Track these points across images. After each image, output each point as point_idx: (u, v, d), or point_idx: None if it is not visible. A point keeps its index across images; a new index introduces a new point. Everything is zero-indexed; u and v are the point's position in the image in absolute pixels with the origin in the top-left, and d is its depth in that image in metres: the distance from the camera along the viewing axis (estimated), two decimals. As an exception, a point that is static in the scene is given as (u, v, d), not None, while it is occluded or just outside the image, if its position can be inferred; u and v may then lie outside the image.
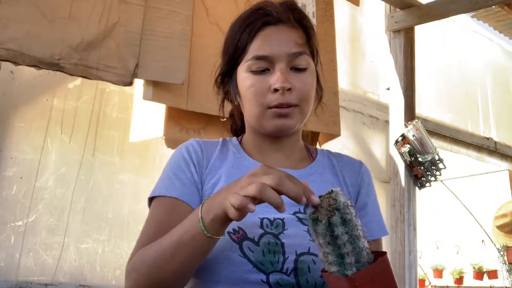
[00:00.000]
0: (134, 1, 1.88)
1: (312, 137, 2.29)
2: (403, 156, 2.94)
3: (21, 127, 2.05)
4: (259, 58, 0.99)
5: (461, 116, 4.38)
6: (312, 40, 1.05)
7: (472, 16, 4.35)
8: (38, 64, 1.65)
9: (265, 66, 0.99)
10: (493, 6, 3.61)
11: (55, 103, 2.12)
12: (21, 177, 2.01)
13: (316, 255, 0.91)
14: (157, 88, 1.94)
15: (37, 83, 2.09)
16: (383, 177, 3.55)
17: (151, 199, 1.02)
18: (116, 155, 2.26)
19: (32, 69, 1.70)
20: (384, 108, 3.42)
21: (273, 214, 0.95)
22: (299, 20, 1.04)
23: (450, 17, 3.24)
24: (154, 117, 2.11)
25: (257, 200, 0.74)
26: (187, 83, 2.01)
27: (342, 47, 3.30)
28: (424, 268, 5.48)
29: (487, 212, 5.22)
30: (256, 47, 0.99)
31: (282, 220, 0.95)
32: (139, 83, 1.99)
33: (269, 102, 0.98)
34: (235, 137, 1.14)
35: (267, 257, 0.90)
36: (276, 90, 0.97)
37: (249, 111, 1.02)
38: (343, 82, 3.26)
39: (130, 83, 1.86)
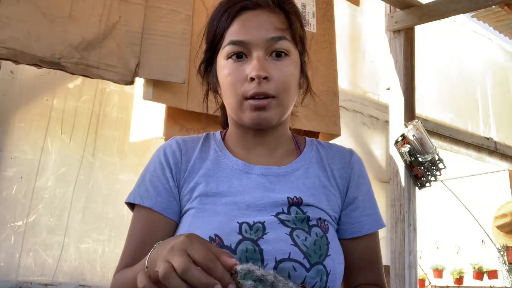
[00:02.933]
0: (134, 0, 1.88)
1: (312, 137, 2.28)
2: (403, 156, 2.94)
3: (21, 127, 2.05)
4: (235, 43, 0.94)
5: (461, 116, 4.38)
6: (295, 26, 0.97)
7: (472, 16, 4.35)
8: (38, 63, 1.65)
9: (241, 51, 0.93)
10: (493, 6, 3.61)
11: (55, 103, 2.12)
12: (21, 177, 2.01)
13: (297, 261, 0.87)
14: (157, 88, 1.94)
15: (37, 83, 2.09)
16: (383, 177, 3.55)
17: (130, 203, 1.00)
18: (116, 155, 2.26)
19: (32, 69, 1.70)
20: (384, 108, 3.42)
21: (253, 217, 0.91)
22: (280, 4, 0.97)
23: (450, 17, 3.23)
24: (154, 117, 2.11)
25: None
26: (187, 83, 2.01)
27: (342, 47, 3.30)
28: (424, 268, 5.48)
29: (487, 212, 5.22)
30: (232, 32, 0.95)
31: (263, 223, 0.90)
32: (139, 83, 1.99)
33: (245, 92, 0.92)
34: (219, 131, 1.09)
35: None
36: (252, 79, 0.92)
37: (227, 102, 0.98)
38: (343, 82, 3.27)
39: (131, 82, 1.86)
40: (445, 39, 4.32)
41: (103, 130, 2.23)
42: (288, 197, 0.94)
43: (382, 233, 3.56)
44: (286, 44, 0.95)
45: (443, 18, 3.15)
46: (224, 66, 0.96)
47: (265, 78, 0.92)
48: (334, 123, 2.43)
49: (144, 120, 2.20)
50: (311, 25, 2.47)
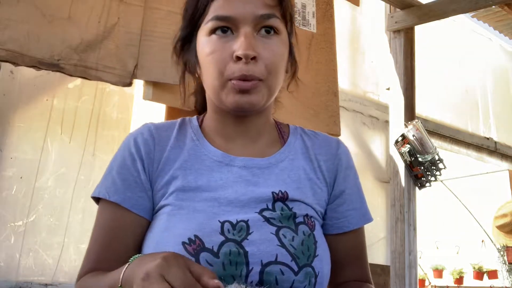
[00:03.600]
0: (133, 2, 1.88)
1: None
2: (403, 156, 2.94)
3: (21, 127, 2.05)
4: (220, 18, 0.84)
5: (461, 116, 4.38)
6: (285, 3, 0.89)
7: (472, 16, 4.35)
8: (37, 64, 1.65)
9: (227, 26, 0.85)
10: (493, 6, 3.61)
11: (55, 103, 2.12)
12: (21, 177, 2.01)
13: (284, 264, 0.80)
14: (157, 88, 1.94)
15: (37, 83, 2.09)
16: (383, 177, 3.55)
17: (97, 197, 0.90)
18: (116, 155, 2.26)
19: (32, 69, 1.70)
20: (384, 108, 3.42)
21: (235, 215, 0.83)
22: None
23: (450, 17, 3.24)
24: (154, 117, 2.11)
25: None
26: (187, 83, 2.01)
27: (342, 47, 3.30)
28: (424, 268, 5.48)
29: (487, 212, 5.22)
30: (217, 7, 0.85)
31: (246, 222, 0.83)
32: (139, 83, 1.99)
33: (230, 72, 0.83)
34: (196, 117, 0.98)
35: (228, 270, 0.78)
36: (238, 58, 0.82)
37: (208, 83, 0.88)
38: (343, 82, 3.27)
39: (129, 84, 1.86)
40: (445, 39, 4.32)
41: (103, 130, 2.23)
42: (273, 192, 0.87)
43: (382, 233, 3.56)
44: (276, 22, 0.86)
45: (443, 18, 3.15)
46: (206, 43, 0.86)
47: (253, 58, 0.83)
48: (334, 123, 2.43)
49: (144, 120, 2.20)
50: (311, 25, 2.47)
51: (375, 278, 3.31)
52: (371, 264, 3.63)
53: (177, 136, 0.92)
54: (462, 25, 4.58)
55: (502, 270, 5.24)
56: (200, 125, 0.96)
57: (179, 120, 0.96)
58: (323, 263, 0.85)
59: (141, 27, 1.89)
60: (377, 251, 3.53)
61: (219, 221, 0.82)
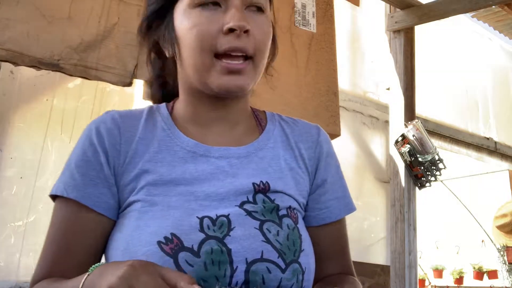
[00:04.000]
0: (133, 2, 1.89)
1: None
2: (403, 156, 2.94)
3: (21, 127, 2.05)
4: None
5: (461, 116, 4.38)
6: None
7: (472, 16, 4.35)
8: (37, 64, 1.65)
9: (215, 1, 0.78)
10: (493, 6, 3.61)
11: (55, 103, 2.12)
12: (21, 177, 2.01)
13: (271, 261, 0.74)
14: (157, 88, 1.94)
15: (37, 83, 2.09)
16: (383, 177, 3.55)
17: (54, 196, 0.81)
18: (116, 155, 2.26)
19: (32, 69, 1.71)
20: (384, 108, 3.42)
21: (214, 210, 0.76)
22: None
23: (450, 17, 3.24)
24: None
25: None
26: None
27: (342, 47, 3.30)
28: (424, 268, 5.48)
29: (487, 212, 5.22)
30: None
31: (227, 216, 0.76)
32: (139, 83, 1.99)
33: (218, 45, 0.77)
34: (164, 104, 0.89)
35: (211, 271, 0.71)
36: (230, 30, 0.76)
37: (189, 62, 0.80)
38: (343, 82, 3.27)
39: (129, 84, 1.86)
40: (445, 39, 4.32)
41: (103, 130, 2.23)
42: (254, 183, 0.81)
43: (382, 233, 3.56)
44: (264, 0, 0.82)
45: (443, 18, 3.15)
46: (188, 15, 0.79)
47: (246, 31, 0.77)
48: (334, 123, 2.43)
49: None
50: (311, 25, 2.47)
51: (375, 278, 3.31)
52: (371, 264, 3.64)
53: (146, 125, 0.83)
54: (462, 25, 4.58)
55: (502, 270, 5.24)
56: (171, 113, 0.87)
57: (146, 107, 0.87)
58: (309, 258, 0.80)
59: (141, 27, 1.89)
60: (377, 251, 3.53)
61: (197, 217, 0.75)
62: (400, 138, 2.95)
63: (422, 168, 2.92)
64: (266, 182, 0.82)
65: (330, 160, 0.92)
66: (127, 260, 0.63)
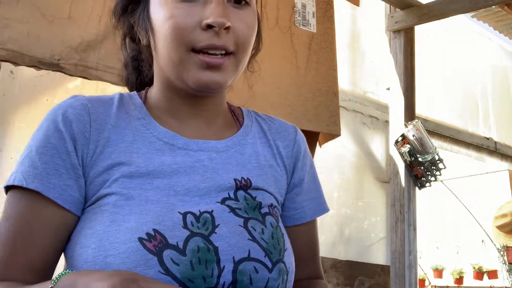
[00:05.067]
0: (134, 1, 1.89)
1: (312, 137, 2.29)
2: (403, 156, 2.94)
3: (21, 127, 2.05)
4: None
5: (461, 116, 4.38)
6: None
7: (472, 16, 4.36)
8: (38, 64, 1.65)
9: None
10: (493, 6, 3.61)
11: (55, 103, 2.12)
12: (21, 177, 2.01)
13: (258, 261, 0.71)
14: (157, 88, 1.95)
15: (37, 83, 2.09)
16: (383, 177, 3.55)
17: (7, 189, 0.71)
18: (116, 155, 2.26)
19: (32, 69, 1.70)
20: (384, 108, 3.42)
21: (196, 205, 0.71)
22: None
23: (450, 17, 3.24)
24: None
25: None
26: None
27: (342, 47, 3.30)
28: (424, 268, 5.48)
29: (487, 212, 5.22)
30: None
31: (211, 213, 0.71)
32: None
33: (195, 42, 0.71)
34: (135, 92, 0.83)
35: (197, 270, 0.66)
36: (209, 27, 0.71)
37: (163, 55, 0.74)
38: (343, 82, 3.27)
39: (130, 84, 1.86)
40: (445, 39, 4.32)
41: (103, 130, 2.23)
42: (235, 179, 0.77)
43: (382, 233, 3.56)
44: None
45: (443, 18, 3.15)
46: (164, 4, 0.73)
47: (227, 28, 0.71)
48: (334, 123, 2.43)
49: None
50: (311, 25, 2.47)
51: (375, 278, 3.31)
52: (371, 264, 3.65)
53: (118, 113, 0.76)
54: (462, 25, 4.58)
55: (502, 270, 5.24)
56: (144, 103, 0.81)
57: (116, 94, 0.81)
58: (291, 257, 0.77)
59: (141, 27, 1.89)
60: (377, 251, 3.53)
61: (179, 212, 0.69)
62: (400, 138, 2.95)
63: (422, 168, 2.92)
64: (248, 178, 0.78)
65: (306, 161, 0.90)
66: (101, 272, 0.57)
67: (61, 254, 0.72)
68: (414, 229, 2.95)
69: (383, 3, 3.17)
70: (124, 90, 2.39)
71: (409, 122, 2.94)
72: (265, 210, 0.77)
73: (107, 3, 1.83)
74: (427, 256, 5.48)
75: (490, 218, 5.22)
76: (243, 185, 0.77)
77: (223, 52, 0.73)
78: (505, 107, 4.95)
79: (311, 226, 0.88)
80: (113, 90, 2.27)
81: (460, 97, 4.46)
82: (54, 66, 1.69)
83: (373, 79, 3.60)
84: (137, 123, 0.77)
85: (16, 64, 1.62)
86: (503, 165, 4.78)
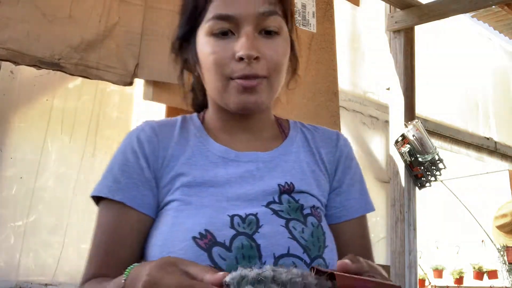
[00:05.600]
0: (134, 1, 1.88)
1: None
2: (403, 156, 2.94)
3: (21, 127, 2.05)
4: (221, 18, 0.83)
5: (461, 116, 4.38)
6: (286, 0, 0.89)
7: (472, 16, 4.36)
8: (38, 64, 1.65)
9: (228, 28, 0.83)
10: (493, 6, 3.61)
11: (55, 103, 2.12)
12: (21, 177, 2.01)
13: (297, 257, 0.79)
14: (157, 88, 1.94)
15: (37, 83, 2.09)
16: (383, 177, 3.55)
17: (97, 198, 0.88)
18: (116, 155, 2.26)
19: (32, 69, 1.70)
20: (384, 108, 3.42)
21: (243, 209, 0.82)
22: None
23: (450, 17, 3.24)
24: (154, 117, 2.11)
25: None
26: (188, 83, 2.01)
27: (342, 47, 3.30)
28: (424, 268, 5.48)
29: (487, 212, 5.22)
30: (218, 5, 0.84)
31: (256, 215, 0.82)
32: (139, 82, 1.99)
33: (232, 72, 0.83)
34: (196, 114, 0.97)
35: (241, 264, 0.76)
36: (241, 58, 0.82)
37: (210, 84, 0.87)
38: (343, 82, 3.27)
39: (130, 83, 1.86)
40: (445, 39, 4.32)
41: (103, 130, 2.23)
42: (279, 184, 0.87)
43: (382, 233, 3.56)
44: (277, 20, 0.85)
45: (443, 18, 3.15)
46: (206, 43, 0.85)
47: (256, 58, 0.82)
48: (334, 123, 2.43)
49: (144, 120, 2.20)
50: (311, 25, 2.47)
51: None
52: (371, 264, 3.59)
53: (180, 132, 0.91)
54: (462, 25, 4.58)
55: (502, 270, 5.24)
56: (202, 122, 0.94)
57: (179, 117, 0.95)
58: (333, 253, 0.84)
59: (141, 26, 1.89)
60: (377, 251, 3.53)
61: (228, 215, 0.81)
62: (400, 138, 2.95)
63: (422, 168, 2.92)
64: (291, 182, 0.88)
65: (349, 163, 0.97)
66: (151, 262, 0.68)
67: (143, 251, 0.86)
68: (414, 229, 2.95)
69: (383, 3, 3.17)
70: (124, 90, 2.38)
71: (409, 122, 2.94)
72: (307, 211, 0.86)
73: (107, 2, 1.83)
74: (427, 256, 5.48)
75: (490, 218, 5.22)
76: (287, 189, 0.87)
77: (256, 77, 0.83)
78: (505, 107, 4.95)
79: (356, 224, 0.95)
80: (113, 90, 2.27)
81: (460, 97, 4.46)
82: (55, 66, 1.69)
83: (373, 79, 3.60)
84: (195, 140, 0.91)
85: (16, 63, 1.62)
86: (503, 165, 4.78)
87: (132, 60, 1.85)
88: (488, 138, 4.55)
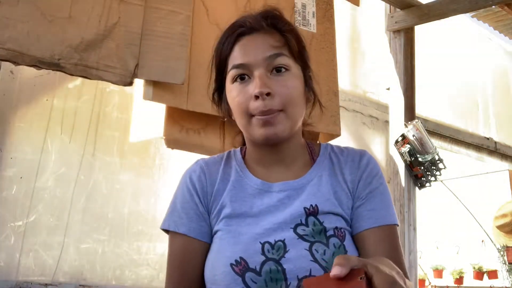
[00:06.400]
0: (134, 1, 1.88)
1: (312, 137, 2.29)
2: (403, 156, 2.94)
3: (21, 127, 2.05)
4: (236, 67, 1.00)
5: (461, 116, 4.38)
6: (291, 42, 1.04)
7: (472, 16, 4.35)
8: (38, 64, 1.65)
9: (243, 73, 1.00)
10: (493, 6, 3.61)
11: (55, 103, 2.12)
12: (21, 177, 2.01)
13: None
14: (157, 88, 1.94)
15: (37, 83, 2.09)
16: (383, 177, 3.54)
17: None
18: (116, 155, 2.26)
19: (32, 69, 1.70)
20: (384, 108, 3.42)
21: (273, 236, 0.96)
22: (274, 25, 1.04)
23: (450, 17, 3.24)
24: (154, 117, 2.11)
25: None
26: (187, 83, 2.01)
27: (342, 47, 3.30)
28: (424, 268, 5.48)
29: (487, 212, 5.22)
30: (234, 57, 1.02)
31: (283, 241, 0.95)
32: (139, 83, 1.99)
33: (252, 110, 0.97)
34: (239, 149, 1.13)
35: (269, 286, 0.91)
36: (256, 97, 0.96)
37: (239, 122, 1.03)
38: (343, 82, 3.26)
39: (130, 83, 1.86)
40: (445, 39, 4.32)
41: (103, 130, 2.23)
42: (305, 208, 0.98)
43: (382, 233, 3.55)
44: (284, 60, 1.00)
45: (443, 18, 3.15)
46: (231, 89, 1.01)
47: (268, 94, 0.96)
48: (334, 123, 2.43)
49: (144, 120, 2.20)
50: (311, 25, 2.47)
51: (375, 278, 3.30)
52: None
53: (224, 169, 1.07)
54: (462, 25, 4.58)
55: (502, 270, 5.24)
56: (244, 156, 1.10)
57: (225, 153, 1.11)
58: None
59: (141, 26, 1.89)
60: (377, 251, 3.52)
61: (260, 242, 0.95)
62: (400, 138, 2.95)
63: (422, 168, 2.92)
64: (315, 205, 0.99)
65: (370, 179, 1.05)
66: None
67: None
68: (414, 229, 2.95)
69: (383, 3, 3.17)
70: (124, 89, 2.38)
71: (409, 122, 2.94)
72: (330, 233, 0.97)
73: (107, 2, 1.83)
74: (427, 256, 5.48)
75: (490, 218, 5.22)
76: (312, 212, 0.98)
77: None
78: (505, 107, 4.95)
79: (378, 233, 1.01)
80: (113, 90, 2.27)
81: (460, 97, 4.46)
82: (54, 66, 1.69)
83: (373, 79, 3.60)
84: (236, 175, 1.06)
85: (16, 63, 1.62)
86: (503, 165, 4.77)
87: (132, 60, 1.85)
88: (488, 138, 4.55)
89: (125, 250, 2.21)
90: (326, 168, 1.06)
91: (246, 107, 0.98)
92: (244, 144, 1.15)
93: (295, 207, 0.99)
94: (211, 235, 1.02)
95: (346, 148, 1.11)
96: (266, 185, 1.03)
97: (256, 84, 0.97)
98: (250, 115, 0.98)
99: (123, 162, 2.27)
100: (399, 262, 0.98)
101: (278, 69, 0.99)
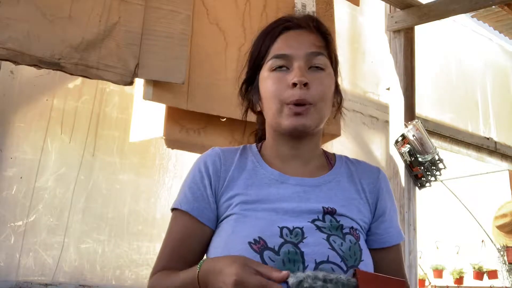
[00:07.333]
0: (134, 1, 1.88)
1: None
2: (403, 156, 2.94)
3: (21, 127, 2.05)
4: (278, 56, 1.05)
5: (461, 116, 4.37)
6: (331, 46, 1.10)
7: (472, 16, 4.35)
8: (38, 63, 1.65)
9: (284, 64, 1.04)
10: (493, 6, 3.61)
11: (55, 103, 2.12)
12: (21, 177, 2.01)
13: (335, 264, 0.93)
14: (157, 88, 1.94)
15: (37, 83, 2.09)
16: (383, 177, 3.54)
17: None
18: (116, 155, 2.26)
19: (32, 69, 1.71)
20: (384, 108, 3.42)
21: (291, 223, 0.98)
22: (318, 27, 1.10)
23: (450, 17, 3.24)
24: (154, 117, 2.11)
25: None
26: (187, 83, 2.01)
27: (342, 47, 3.30)
28: (424, 268, 5.48)
29: (487, 212, 5.22)
30: (276, 48, 1.06)
31: (301, 229, 0.97)
32: (139, 82, 1.99)
33: (287, 97, 1.01)
34: (254, 145, 1.17)
35: (287, 266, 0.92)
36: (294, 84, 1.01)
37: (268, 110, 1.06)
38: (343, 82, 3.26)
39: (130, 83, 1.86)
40: (445, 39, 4.32)
41: (103, 130, 2.23)
42: (323, 206, 1.02)
43: (382, 233, 3.55)
44: (323, 60, 1.06)
45: (443, 18, 3.15)
46: (267, 77, 1.06)
47: (306, 84, 1.01)
48: (334, 123, 2.43)
49: (144, 120, 2.20)
50: (311, 25, 2.47)
51: (375, 278, 3.30)
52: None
53: (240, 158, 1.10)
54: (462, 25, 4.58)
55: (502, 270, 5.24)
56: (259, 151, 1.13)
57: (241, 146, 1.14)
58: (368, 268, 0.97)
59: (142, 26, 1.89)
60: (377, 251, 3.52)
61: (278, 226, 0.97)
62: (400, 138, 2.95)
63: (422, 168, 2.92)
64: (333, 207, 1.03)
65: (388, 196, 1.13)
66: (225, 259, 0.89)
67: (203, 255, 1.06)
68: (414, 229, 2.95)
69: (383, 3, 3.17)
70: (124, 89, 2.38)
71: (409, 122, 2.93)
72: (346, 230, 1.00)
73: (107, 2, 1.83)
74: (427, 256, 5.48)
75: (490, 218, 5.22)
76: (329, 211, 1.02)
77: (305, 104, 1.02)
78: (505, 107, 4.95)
79: (395, 250, 1.10)
80: (113, 90, 2.27)
81: (460, 97, 4.46)
82: (55, 65, 1.69)
83: (373, 79, 3.60)
84: (252, 165, 1.09)
85: (16, 63, 1.62)
86: (503, 165, 4.77)
87: (132, 60, 1.85)
88: (488, 138, 4.55)
89: (125, 250, 2.21)
90: (344, 175, 1.11)
91: (281, 94, 1.02)
92: (258, 138, 1.20)
93: (313, 203, 1.02)
94: (214, 221, 1.04)
95: (360, 160, 1.18)
96: (283, 176, 1.06)
97: (296, 73, 1.01)
98: (283, 103, 1.02)
99: (123, 162, 2.27)
100: (403, 274, 1.10)
101: (316, 67, 1.04)
